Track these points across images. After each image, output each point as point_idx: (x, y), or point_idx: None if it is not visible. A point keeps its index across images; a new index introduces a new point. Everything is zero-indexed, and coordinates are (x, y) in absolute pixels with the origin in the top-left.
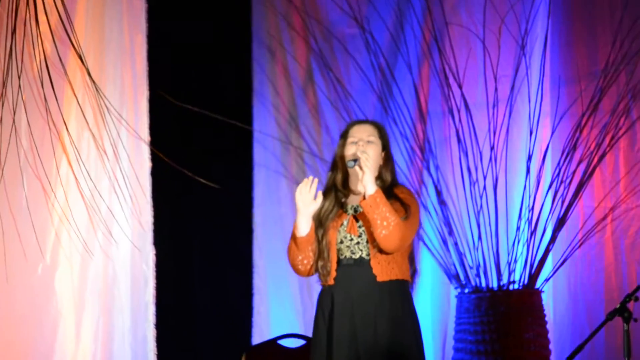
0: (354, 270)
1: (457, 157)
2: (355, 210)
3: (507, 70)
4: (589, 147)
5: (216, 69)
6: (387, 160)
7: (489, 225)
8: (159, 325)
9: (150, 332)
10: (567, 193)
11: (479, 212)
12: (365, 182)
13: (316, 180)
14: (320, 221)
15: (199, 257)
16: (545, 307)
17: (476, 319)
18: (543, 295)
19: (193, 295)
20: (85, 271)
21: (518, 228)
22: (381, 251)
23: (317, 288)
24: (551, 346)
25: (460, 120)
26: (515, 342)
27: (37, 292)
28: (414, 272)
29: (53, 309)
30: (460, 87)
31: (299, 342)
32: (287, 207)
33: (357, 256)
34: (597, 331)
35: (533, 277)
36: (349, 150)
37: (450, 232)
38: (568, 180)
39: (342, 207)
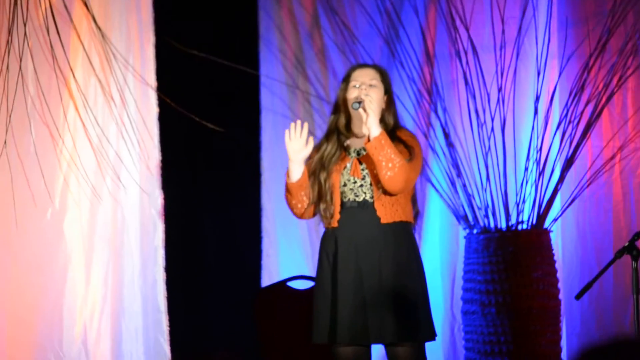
0: (358, 212)
1: (464, 100)
2: (359, 153)
3: (515, 12)
4: (597, 87)
5: (222, 14)
6: (390, 103)
7: (497, 166)
8: (169, 268)
9: (160, 276)
10: (575, 133)
11: (487, 154)
12: (370, 124)
13: (306, 124)
14: (323, 164)
15: (207, 201)
16: (553, 246)
17: (485, 259)
18: (551, 235)
19: (202, 239)
20: (94, 216)
21: (526, 169)
22: (385, 193)
23: None
24: (560, 285)
25: (467, 62)
26: (524, 281)
27: (46, 237)
28: (417, 213)
29: (62, 254)
30: (467, 29)
31: (308, 284)
32: None
33: (360, 199)
34: (606, 269)
35: (541, 217)
36: (351, 94)
37: (459, 174)
38: (576, 121)
39: (345, 150)
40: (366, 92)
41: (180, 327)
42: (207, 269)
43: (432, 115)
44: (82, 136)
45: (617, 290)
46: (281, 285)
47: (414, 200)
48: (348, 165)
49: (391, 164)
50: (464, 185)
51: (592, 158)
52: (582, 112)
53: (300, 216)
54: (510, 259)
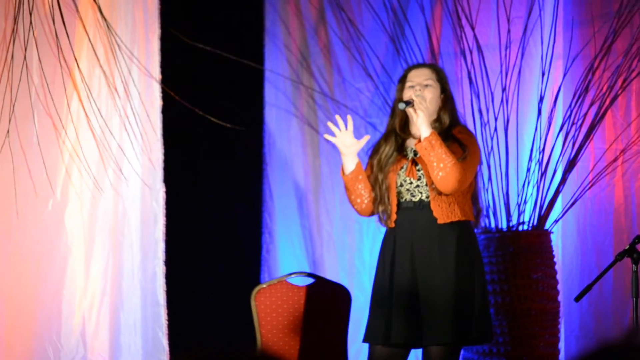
0: (415, 212)
1: (468, 99)
2: (415, 154)
3: (520, 12)
4: (601, 89)
5: (228, 7)
6: (446, 101)
7: (499, 166)
8: (169, 262)
9: (160, 269)
10: (578, 135)
11: (489, 154)
12: (420, 124)
13: (349, 117)
14: (380, 166)
15: (208, 196)
16: (554, 248)
17: (485, 260)
18: (552, 237)
19: (203, 233)
20: (96, 208)
21: (528, 169)
22: (440, 193)
23: (327, 227)
24: (559, 287)
25: (472, 61)
26: (524, 282)
27: (47, 227)
28: (478, 211)
29: (63, 245)
30: (472, 28)
31: (308, 280)
32: (298, 146)
33: (417, 199)
34: (606, 272)
35: (542, 218)
36: (406, 94)
37: None
38: (579, 122)
39: (402, 151)
40: (420, 92)
41: (179, 320)
42: (207, 263)
43: None
44: (85, 127)
45: (617, 293)
46: (281, 281)
47: (474, 198)
48: (404, 166)
49: (442, 164)
50: None
51: (595, 160)
52: (585, 114)
53: (361, 212)
54: (510, 260)
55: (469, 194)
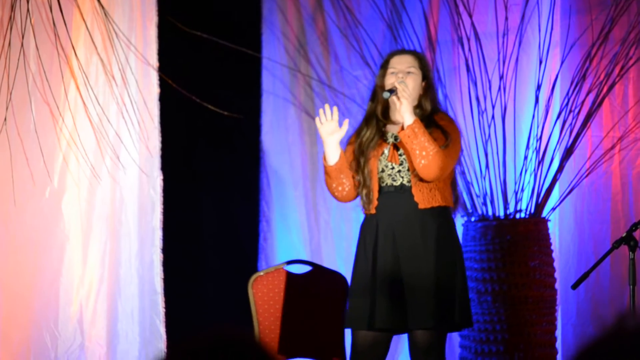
0: (396, 197)
1: (466, 87)
2: (396, 139)
3: None
4: (599, 77)
5: None
6: (428, 89)
7: (497, 154)
8: (166, 250)
9: (157, 257)
10: (575, 122)
11: (486, 141)
12: (403, 112)
13: (335, 108)
14: (361, 149)
15: (206, 183)
16: (551, 235)
17: (482, 247)
18: (549, 224)
19: (200, 221)
20: (93, 195)
21: (526, 157)
22: (422, 179)
23: (325, 215)
24: (556, 274)
25: (469, 49)
26: (521, 270)
27: (44, 215)
28: (456, 198)
29: (60, 233)
30: (470, 15)
31: (306, 268)
32: (295, 134)
33: (397, 183)
34: (603, 259)
35: (540, 206)
36: (388, 81)
37: (458, 161)
38: (577, 110)
39: (383, 135)
40: (402, 79)
41: (177, 308)
42: (205, 251)
43: None
44: (83, 115)
45: (614, 280)
46: (278, 269)
47: (453, 185)
48: (385, 151)
49: (425, 152)
50: (463, 173)
51: (592, 148)
52: (582, 102)
53: (341, 199)
54: (507, 248)
55: (449, 180)
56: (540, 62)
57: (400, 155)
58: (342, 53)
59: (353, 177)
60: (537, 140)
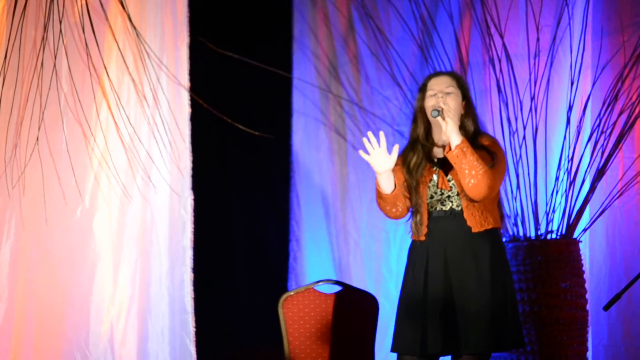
0: (446, 221)
1: (497, 108)
2: (443, 164)
3: (549, 20)
4: (631, 98)
5: (257, 16)
6: (468, 109)
7: (528, 175)
8: (196, 269)
9: (188, 276)
10: (607, 144)
11: (518, 162)
12: (449, 132)
13: (381, 134)
14: (411, 174)
15: (236, 203)
16: (582, 257)
17: (513, 268)
18: (580, 245)
19: (230, 240)
20: (124, 215)
21: (557, 178)
22: (472, 201)
23: (354, 235)
24: (587, 296)
25: (501, 70)
26: (552, 291)
27: (75, 235)
28: (502, 216)
29: (91, 252)
30: (501, 37)
31: (336, 288)
32: (325, 154)
33: (447, 208)
34: (635, 281)
35: (571, 227)
36: (429, 103)
37: None
38: (609, 131)
39: (430, 160)
40: (443, 100)
41: (207, 328)
42: (235, 270)
43: None
44: (114, 135)
45: None
46: (308, 288)
47: (499, 204)
48: (434, 177)
49: (474, 171)
50: None
51: (624, 169)
52: (614, 123)
53: (395, 218)
54: (538, 269)
55: (496, 200)
56: (572, 83)
57: (449, 180)
58: (373, 73)
59: (406, 198)
60: (568, 161)
